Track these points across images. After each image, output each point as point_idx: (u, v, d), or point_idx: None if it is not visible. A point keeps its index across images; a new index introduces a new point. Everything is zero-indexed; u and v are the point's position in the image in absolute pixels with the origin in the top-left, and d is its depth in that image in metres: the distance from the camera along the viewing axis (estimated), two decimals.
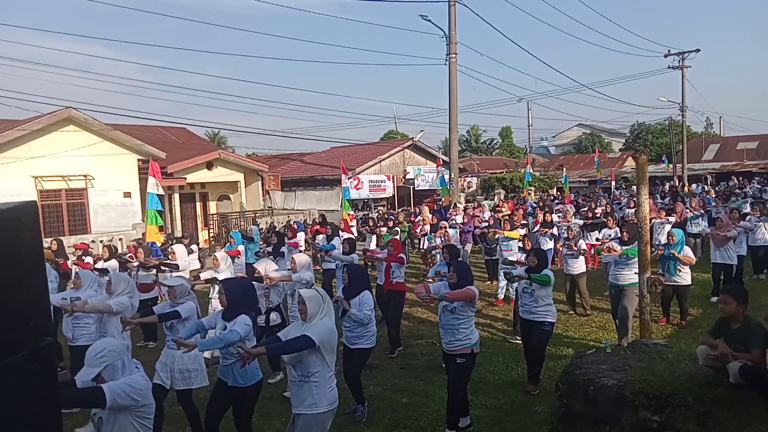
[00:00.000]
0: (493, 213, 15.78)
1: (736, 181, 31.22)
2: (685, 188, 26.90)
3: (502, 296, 10.32)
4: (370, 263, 10.15)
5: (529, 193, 26.05)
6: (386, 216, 17.36)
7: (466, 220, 13.68)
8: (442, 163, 22.93)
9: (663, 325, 8.45)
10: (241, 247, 10.45)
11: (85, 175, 17.52)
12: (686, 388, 3.94)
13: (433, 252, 12.15)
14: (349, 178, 20.09)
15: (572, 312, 9.44)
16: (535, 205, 19.22)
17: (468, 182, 34.21)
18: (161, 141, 21.53)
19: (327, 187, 25.82)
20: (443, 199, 20.31)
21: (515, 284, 7.47)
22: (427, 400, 6.10)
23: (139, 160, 18.51)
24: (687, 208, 13.54)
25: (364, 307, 5.66)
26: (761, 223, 10.64)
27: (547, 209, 14.46)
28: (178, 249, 9.38)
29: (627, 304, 7.28)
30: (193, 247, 11.30)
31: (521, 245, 9.41)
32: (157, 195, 12.11)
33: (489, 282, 11.99)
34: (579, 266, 9.43)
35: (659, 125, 52.18)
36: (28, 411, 1.35)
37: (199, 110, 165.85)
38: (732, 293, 4.16)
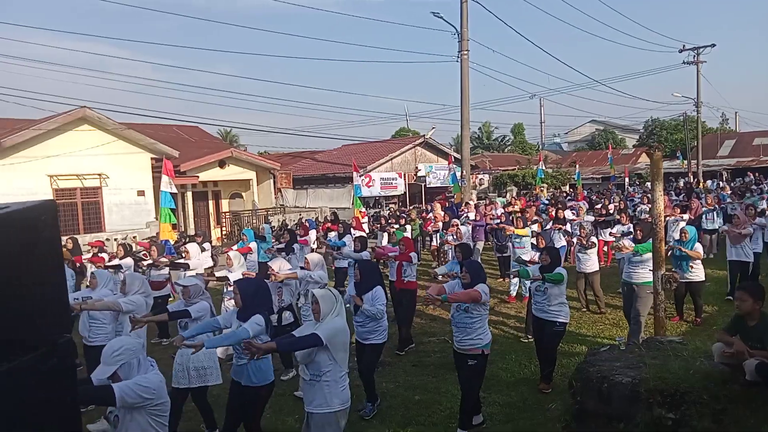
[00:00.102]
0: (504, 210, 15.73)
1: (752, 177, 30.79)
2: (700, 185, 26.62)
3: (515, 293, 10.29)
4: (381, 261, 10.16)
5: (542, 190, 25.91)
6: (398, 214, 17.37)
7: (478, 218, 13.64)
8: (453, 160, 22.88)
9: (677, 322, 8.38)
10: (253, 245, 10.51)
11: (99, 174, 17.70)
12: (701, 386, 3.91)
13: (445, 248, 12.14)
14: (360, 176, 20.11)
15: (585, 309, 9.39)
16: (547, 202, 19.12)
17: (480, 179, 34.11)
18: (174, 140, 21.69)
19: (338, 184, 25.87)
20: (455, 196, 20.27)
21: (528, 282, 7.44)
22: (440, 397, 6.10)
23: (152, 158, 18.67)
24: (702, 203, 13.42)
25: (376, 302, 5.66)
26: None
27: (560, 206, 14.39)
28: (192, 247, 9.45)
29: (640, 304, 7.20)
30: (206, 245, 11.38)
31: (534, 243, 9.38)
32: (171, 193, 12.21)
33: (501, 279, 11.97)
34: (592, 264, 9.37)
35: (673, 121, 51.69)
36: (48, 406, 1.37)
37: (212, 109, 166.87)
38: (748, 290, 4.12)
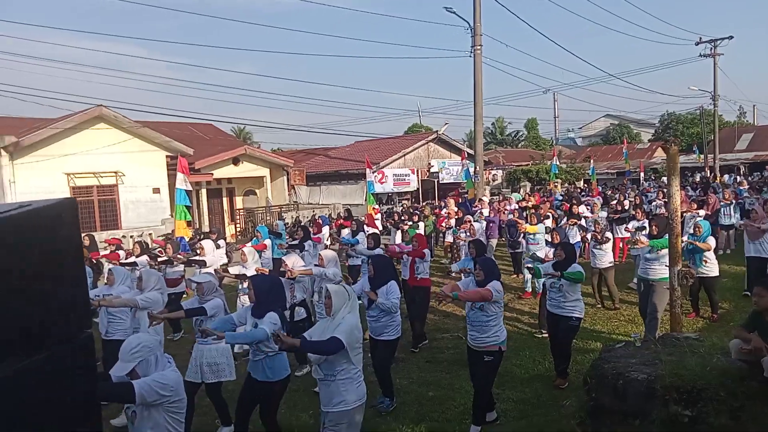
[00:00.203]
0: (518, 205, 15.65)
1: None
2: (717, 179, 26.28)
3: (530, 289, 10.25)
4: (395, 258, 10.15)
5: (556, 186, 25.74)
6: (411, 210, 17.35)
7: (492, 214, 13.59)
8: (466, 155, 22.81)
9: (693, 318, 8.30)
10: (267, 242, 10.56)
11: (115, 172, 17.90)
12: (718, 383, 3.87)
13: (459, 243, 12.11)
14: (373, 172, 20.13)
15: (600, 306, 9.33)
16: (561, 198, 18.99)
17: (493, 175, 33.98)
18: (188, 137, 21.85)
19: (351, 181, 25.90)
20: (468, 192, 20.22)
21: (541, 278, 7.40)
22: (453, 393, 6.11)
23: (167, 156, 18.83)
24: (719, 198, 13.25)
25: (391, 295, 5.65)
26: None
27: (574, 201, 14.28)
28: (207, 244, 9.53)
29: (657, 300, 7.13)
30: (221, 242, 11.46)
31: (549, 239, 9.32)
32: (185, 191, 12.30)
33: (515, 275, 11.92)
34: (607, 260, 9.31)
35: (690, 115, 51.02)
36: (71, 397, 1.40)
37: (225, 107, 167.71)
38: (767, 286, 4.08)
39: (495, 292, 5.04)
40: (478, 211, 14.33)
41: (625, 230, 10.78)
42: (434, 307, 9.39)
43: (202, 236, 13.03)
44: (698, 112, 42.98)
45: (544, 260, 7.92)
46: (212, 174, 20.48)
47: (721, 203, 12.78)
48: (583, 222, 12.02)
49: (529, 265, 7.65)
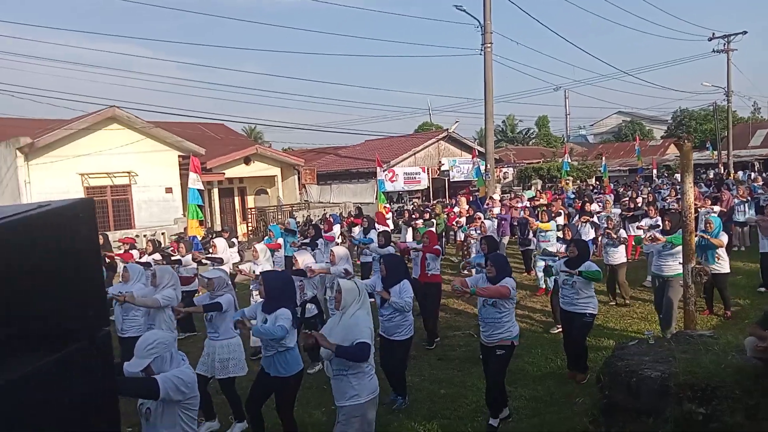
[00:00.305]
0: (530, 202, 15.61)
1: None
2: (731, 176, 26.00)
3: (543, 286, 10.21)
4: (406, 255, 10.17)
5: (567, 183, 25.60)
6: (422, 208, 17.34)
7: (503, 212, 13.56)
8: (477, 153, 22.75)
9: (707, 316, 8.23)
10: (281, 240, 10.62)
11: (128, 172, 18.07)
12: (733, 380, 3.84)
13: (470, 241, 12.09)
14: (384, 171, 20.14)
15: (612, 303, 9.28)
16: (573, 196, 18.89)
17: (504, 173, 33.85)
18: (200, 137, 22.02)
19: (362, 179, 25.95)
20: (479, 190, 20.17)
21: (553, 276, 7.37)
22: (465, 391, 6.10)
23: (179, 156, 18.99)
24: (733, 195, 13.12)
25: (404, 294, 5.63)
26: None
27: (586, 198, 14.21)
28: (219, 242, 9.60)
29: (672, 295, 7.10)
30: (233, 240, 11.54)
31: (560, 236, 9.29)
32: (198, 190, 12.39)
33: (526, 273, 11.89)
34: (619, 256, 9.27)
35: (703, 111, 50.48)
36: (89, 396, 1.42)
37: (236, 106, 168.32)
38: None
39: (512, 289, 5.07)
40: (489, 209, 14.31)
41: (638, 228, 10.70)
42: (446, 304, 9.39)
43: (214, 235, 13.12)
44: (711, 108, 42.54)
45: (555, 255, 7.90)
46: (224, 173, 20.61)
47: (736, 200, 12.64)
48: (595, 219, 11.96)
49: (544, 263, 7.60)
